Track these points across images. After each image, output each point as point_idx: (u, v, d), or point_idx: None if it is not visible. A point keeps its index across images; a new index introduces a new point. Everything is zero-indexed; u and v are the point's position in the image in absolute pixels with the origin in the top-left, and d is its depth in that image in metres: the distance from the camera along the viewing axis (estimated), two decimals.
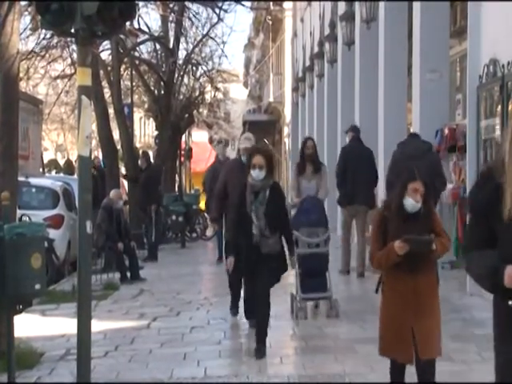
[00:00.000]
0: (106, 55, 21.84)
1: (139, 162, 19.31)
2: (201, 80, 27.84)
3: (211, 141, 46.15)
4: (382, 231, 5.63)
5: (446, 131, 12.30)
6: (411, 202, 5.52)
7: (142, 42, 22.84)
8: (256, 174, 7.59)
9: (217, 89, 29.68)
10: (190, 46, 24.29)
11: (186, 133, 31.89)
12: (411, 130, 14.25)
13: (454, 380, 6.55)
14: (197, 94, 27.66)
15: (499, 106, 9.28)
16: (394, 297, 5.66)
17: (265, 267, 7.44)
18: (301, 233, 9.07)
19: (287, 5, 34.34)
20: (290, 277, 13.65)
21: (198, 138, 43.18)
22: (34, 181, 15.15)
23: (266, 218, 7.51)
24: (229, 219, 8.86)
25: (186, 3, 21.38)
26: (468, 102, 10.35)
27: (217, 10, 20.94)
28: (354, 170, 12.10)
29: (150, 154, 24.54)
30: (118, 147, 21.24)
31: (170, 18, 22.86)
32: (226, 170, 9.49)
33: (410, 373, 6.05)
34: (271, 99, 40.35)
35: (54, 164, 43.30)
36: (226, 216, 9.45)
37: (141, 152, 21.54)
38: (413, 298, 5.66)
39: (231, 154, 21.93)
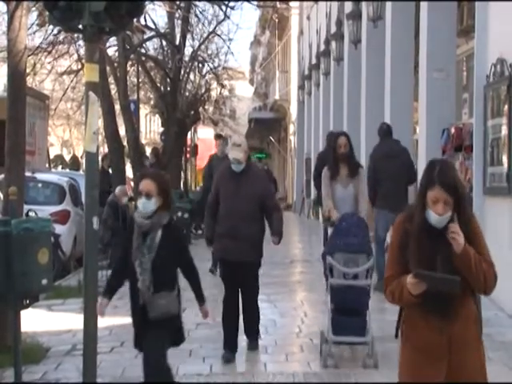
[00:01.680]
0: (112, 51, 21.86)
1: (149, 157, 19.46)
2: (207, 77, 27.83)
3: (217, 137, 46.18)
4: (401, 248, 4.05)
5: (453, 130, 12.28)
6: (433, 217, 3.97)
7: (149, 39, 22.85)
8: (143, 205, 5.60)
9: (223, 86, 29.67)
10: (197, 43, 24.29)
11: (192, 130, 31.91)
12: (417, 130, 14.25)
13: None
14: (203, 91, 27.65)
15: (506, 106, 9.27)
16: (418, 349, 4.07)
17: (152, 336, 5.63)
18: (336, 259, 7.30)
19: (294, 3, 34.31)
20: (296, 275, 13.69)
21: (204, 134, 43.23)
22: (40, 176, 15.20)
23: (154, 271, 5.55)
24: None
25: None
26: (475, 101, 10.34)
27: (223, 7, 20.92)
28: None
29: None
30: (124, 143, 21.24)
31: (177, 15, 22.86)
32: (218, 178, 7.91)
33: None
34: (277, 97, 40.34)
35: (60, 159, 43.39)
36: None
37: (151, 148, 21.67)
38: (445, 355, 4.06)
39: None
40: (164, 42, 24.18)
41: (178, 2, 21.43)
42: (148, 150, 31.06)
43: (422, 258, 3.94)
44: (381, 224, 10.79)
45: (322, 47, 24.06)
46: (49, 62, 21.78)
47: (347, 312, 7.36)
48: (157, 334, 5.57)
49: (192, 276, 5.86)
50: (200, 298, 5.89)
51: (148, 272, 5.53)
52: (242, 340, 8.31)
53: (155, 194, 5.53)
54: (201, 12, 22.82)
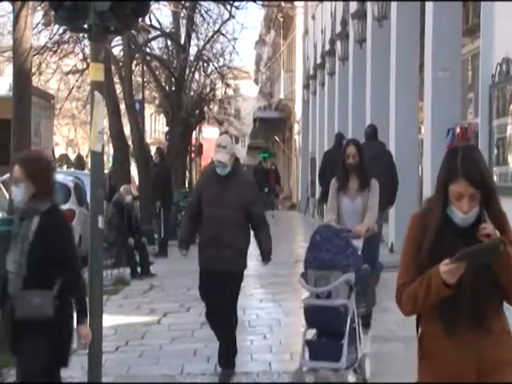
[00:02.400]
0: (117, 51, 21.88)
1: (153, 157, 19.48)
2: (212, 76, 27.87)
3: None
4: (418, 250, 3.33)
5: (458, 130, 12.27)
6: (458, 215, 3.29)
7: (154, 38, 22.87)
8: (13, 193, 5.09)
9: (227, 85, 29.71)
10: (201, 43, 24.34)
11: (197, 129, 31.93)
12: (422, 129, 14.23)
13: None
14: (208, 90, 27.69)
15: (511, 105, 9.25)
16: (440, 369, 3.31)
17: (25, 342, 4.80)
18: (308, 276, 6.63)
19: (298, 2, 34.30)
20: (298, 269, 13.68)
21: (209, 134, 43.25)
22: None
23: (28, 264, 4.75)
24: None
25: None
26: (480, 100, 10.32)
27: (228, 7, 20.94)
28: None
29: None
30: (129, 143, 21.27)
31: (182, 15, 22.89)
32: (201, 182, 7.46)
33: None
34: (282, 96, 40.34)
35: (65, 159, 43.43)
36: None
37: (155, 148, 21.69)
38: (473, 377, 3.25)
39: (241, 151, 21.90)
40: (169, 42, 24.20)
41: (183, 2, 21.45)
42: (153, 150, 31.10)
43: (444, 255, 3.18)
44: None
45: (327, 47, 24.05)
46: (54, 62, 21.82)
47: (321, 335, 6.72)
48: (31, 338, 4.77)
49: (69, 288, 4.93)
50: (80, 317, 5.03)
51: (20, 264, 4.78)
52: (244, 339, 8.32)
53: (23, 180, 4.85)
54: (206, 11, 22.85)
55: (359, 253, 6.74)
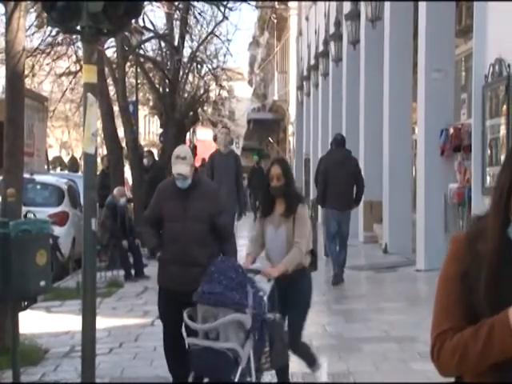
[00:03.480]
0: (110, 53, 21.85)
1: (144, 160, 19.45)
2: (205, 78, 27.84)
3: (216, 139, 46.15)
4: (467, 284, 2.42)
5: (451, 131, 12.29)
6: None
7: (147, 40, 22.84)
8: None
9: (221, 87, 29.69)
10: (195, 44, 24.30)
11: (191, 131, 31.90)
12: (416, 130, 14.26)
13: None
14: (201, 91, 27.66)
15: (505, 106, 9.27)
16: None
17: None
18: (195, 312, 5.64)
19: (292, 3, 34.33)
20: None
21: (203, 135, 43.22)
22: (38, 178, 15.17)
23: None
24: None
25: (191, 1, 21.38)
26: (473, 101, 10.34)
27: (222, 8, 20.92)
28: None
29: (155, 152, 24.59)
30: (123, 145, 21.24)
31: (175, 16, 22.86)
32: (160, 196, 6.61)
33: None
34: (276, 98, 40.35)
35: (58, 161, 43.35)
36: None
37: (145, 151, 21.65)
38: None
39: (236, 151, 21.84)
40: (163, 43, 24.16)
41: (176, 3, 21.42)
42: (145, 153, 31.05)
43: (507, 295, 2.29)
44: (330, 221, 11.96)
45: (321, 48, 24.07)
46: (47, 64, 21.76)
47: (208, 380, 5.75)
48: None
49: None
50: None
51: None
52: None
53: None
54: (199, 13, 22.82)
55: (265, 298, 5.68)
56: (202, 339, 5.55)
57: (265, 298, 5.69)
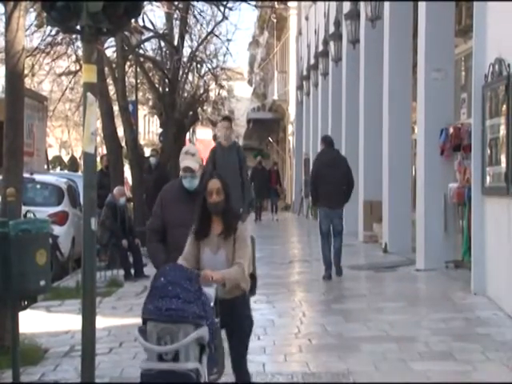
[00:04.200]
0: (110, 52, 21.84)
1: (151, 159, 19.53)
2: (205, 78, 27.83)
3: (215, 138, 46.17)
4: None
5: (451, 130, 12.29)
6: None
7: (147, 40, 22.83)
8: None
9: (221, 86, 29.68)
10: (195, 44, 24.29)
11: (191, 130, 31.89)
12: (416, 130, 14.25)
13: (458, 380, 6.54)
14: (201, 91, 27.65)
15: (504, 106, 9.26)
16: None
17: None
18: (148, 332, 4.98)
19: (292, 3, 34.32)
20: (294, 275, 13.70)
21: (203, 135, 43.21)
22: (38, 177, 15.19)
23: None
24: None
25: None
26: (473, 101, 10.33)
27: (221, 8, 20.92)
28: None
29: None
30: (123, 144, 21.23)
31: (175, 16, 22.85)
32: (163, 200, 6.25)
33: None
34: (275, 97, 40.34)
35: (58, 161, 43.35)
36: None
37: (151, 150, 21.68)
38: None
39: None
40: (162, 43, 24.16)
41: (176, 3, 21.41)
42: (146, 151, 31.06)
43: None
44: (323, 220, 12.38)
45: (321, 47, 24.07)
46: (47, 63, 21.76)
47: None
48: None
49: None
50: None
51: None
52: None
53: None
54: (199, 13, 22.83)
55: (212, 304, 5.15)
56: (157, 361, 4.89)
57: (212, 304, 5.15)
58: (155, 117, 36.44)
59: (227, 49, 29.18)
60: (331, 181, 12.03)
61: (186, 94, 26.10)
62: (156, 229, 6.17)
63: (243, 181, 11.01)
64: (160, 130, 28.20)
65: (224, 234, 5.53)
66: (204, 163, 12.36)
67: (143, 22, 21.33)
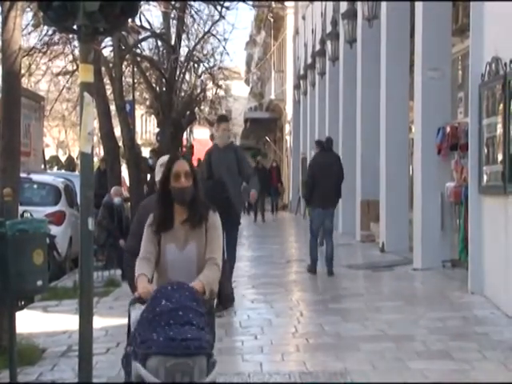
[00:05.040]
0: (107, 52, 21.83)
1: (149, 161, 19.53)
2: (202, 77, 27.81)
3: (213, 138, 46.13)
4: None
5: (448, 129, 12.30)
6: None
7: (144, 39, 22.81)
8: None
9: (218, 86, 29.65)
10: (192, 43, 24.26)
11: (188, 130, 31.86)
12: (413, 129, 14.26)
13: (456, 379, 6.54)
14: (198, 91, 27.63)
15: (501, 105, 9.27)
16: None
17: None
18: (155, 368, 4.11)
19: (289, 2, 34.32)
20: (292, 274, 13.70)
21: (200, 135, 43.18)
22: (35, 177, 15.17)
23: None
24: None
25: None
26: (470, 100, 10.34)
27: (218, 8, 20.90)
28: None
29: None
30: (120, 144, 21.22)
31: (172, 15, 22.83)
32: (143, 215, 5.35)
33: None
34: (273, 97, 40.34)
35: (55, 160, 43.30)
36: None
37: (150, 151, 21.69)
38: None
39: None
40: (159, 43, 24.14)
41: (173, 2, 21.40)
42: (144, 151, 31.04)
43: None
44: (315, 219, 12.89)
45: (318, 47, 24.08)
46: (44, 63, 21.72)
47: None
48: None
49: None
50: None
51: None
52: (236, 340, 8.31)
53: None
54: (196, 12, 22.80)
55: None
56: None
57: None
58: (152, 116, 36.41)
59: (224, 48, 29.08)
60: (326, 183, 12.60)
61: (183, 94, 26.09)
62: (136, 252, 5.05)
63: (248, 174, 10.20)
64: (157, 130, 28.20)
65: (191, 222, 4.62)
66: (196, 165, 11.84)
67: (140, 21, 21.31)
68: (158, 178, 5.43)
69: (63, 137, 47.29)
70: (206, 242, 4.65)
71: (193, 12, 22.61)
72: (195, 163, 35.59)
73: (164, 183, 4.71)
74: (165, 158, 5.48)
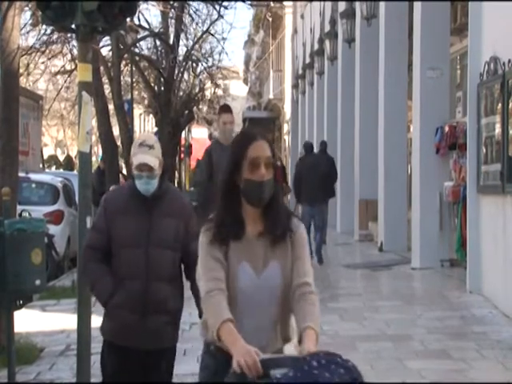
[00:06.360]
0: (106, 51, 21.85)
1: None
2: (201, 76, 27.84)
3: (211, 137, 46.16)
4: None
5: (447, 129, 12.30)
6: None
7: (143, 38, 22.84)
8: None
9: (217, 85, 29.68)
10: (190, 43, 24.30)
11: (186, 129, 31.89)
12: (411, 128, 14.27)
13: (454, 378, 6.55)
14: (197, 90, 27.67)
15: (500, 104, 9.28)
16: None
17: None
18: None
19: (287, 2, 34.33)
20: None
21: (198, 134, 43.22)
22: (34, 176, 15.15)
23: None
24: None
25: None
26: (468, 99, 10.34)
27: (217, 7, 20.92)
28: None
29: None
30: (118, 143, 21.24)
31: (171, 15, 22.86)
32: (110, 209, 4.57)
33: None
34: (271, 96, 40.34)
35: (53, 160, 43.31)
36: None
37: None
38: None
39: None
40: (158, 42, 24.17)
41: (171, 2, 21.41)
42: None
43: None
44: (305, 216, 13.59)
45: (316, 46, 24.07)
46: (42, 62, 21.74)
47: None
48: None
49: None
50: None
51: None
52: None
53: None
54: (194, 11, 22.83)
55: None
56: None
57: None
58: (151, 116, 36.44)
59: (223, 47, 29.16)
60: (311, 181, 13.57)
61: (181, 93, 26.12)
62: (97, 247, 4.48)
63: None
64: (155, 129, 28.22)
65: (273, 234, 3.25)
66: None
67: (138, 20, 21.35)
68: (136, 160, 4.45)
69: (61, 136, 47.29)
70: (291, 262, 3.29)
71: (191, 11, 22.65)
72: (193, 164, 35.68)
73: (232, 173, 3.25)
74: (144, 136, 4.66)
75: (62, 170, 30.91)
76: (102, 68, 19.87)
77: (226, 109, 8.73)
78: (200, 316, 3.91)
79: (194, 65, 26.65)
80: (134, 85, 25.32)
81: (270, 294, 3.25)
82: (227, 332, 3.06)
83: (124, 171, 22.10)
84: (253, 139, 3.27)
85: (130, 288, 4.42)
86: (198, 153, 35.72)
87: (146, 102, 32.04)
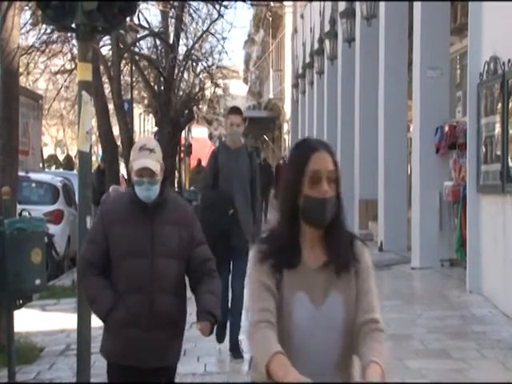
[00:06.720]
0: (106, 50, 21.85)
1: None
2: (201, 76, 27.82)
3: (211, 137, 46.18)
4: None
5: (446, 128, 12.30)
6: None
7: (142, 38, 22.83)
8: None
9: (217, 85, 29.66)
10: (190, 42, 24.27)
11: (186, 129, 31.87)
12: (411, 128, 14.27)
13: (454, 378, 6.55)
14: (197, 90, 27.64)
15: (499, 104, 9.28)
16: None
17: None
18: None
19: (287, 1, 34.34)
20: None
21: (198, 134, 43.19)
22: (33, 176, 15.17)
23: None
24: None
25: None
26: (468, 99, 10.35)
27: (217, 6, 20.91)
28: None
29: None
30: (118, 143, 21.24)
31: (170, 14, 22.84)
32: (110, 217, 4.31)
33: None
34: (271, 96, 40.34)
35: (53, 159, 43.32)
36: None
37: None
38: None
39: None
40: (158, 41, 24.16)
41: (171, 1, 21.41)
42: None
43: None
44: None
45: (316, 46, 24.07)
46: (42, 62, 21.75)
47: None
48: None
49: None
50: None
51: None
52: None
53: None
54: (194, 11, 22.82)
55: None
56: None
57: None
58: (150, 115, 36.42)
59: (223, 47, 29.17)
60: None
61: (181, 93, 26.10)
62: (93, 261, 4.25)
63: (253, 198, 7.91)
64: (155, 129, 28.22)
65: (336, 264, 2.92)
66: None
67: (138, 20, 21.34)
68: (136, 165, 4.24)
69: (61, 136, 47.30)
70: (356, 294, 2.97)
71: (191, 11, 22.64)
72: (193, 163, 35.68)
73: (292, 189, 2.86)
74: (145, 140, 4.47)
75: (61, 170, 30.92)
76: (101, 67, 19.87)
77: (235, 110, 8.21)
78: (198, 315, 4.19)
79: (194, 64, 26.64)
80: (134, 84, 25.32)
81: (331, 330, 2.81)
82: (279, 364, 2.62)
83: (124, 171, 22.10)
84: (314, 150, 2.86)
85: (132, 301, 4.18)
86: (197, 152, 35.71)
87: (145, 101, 32.02)
